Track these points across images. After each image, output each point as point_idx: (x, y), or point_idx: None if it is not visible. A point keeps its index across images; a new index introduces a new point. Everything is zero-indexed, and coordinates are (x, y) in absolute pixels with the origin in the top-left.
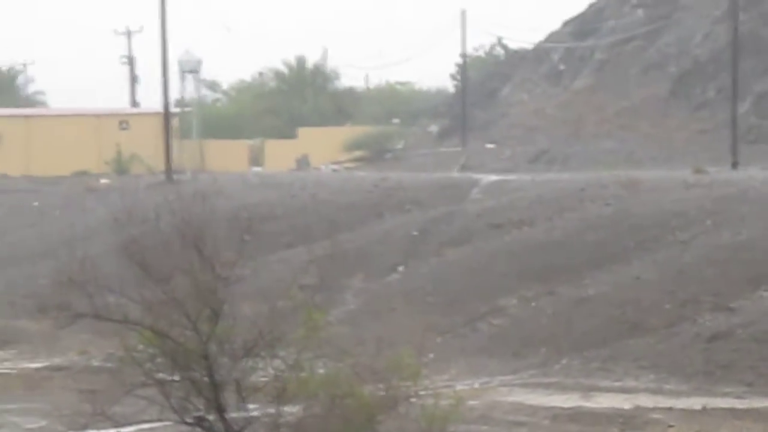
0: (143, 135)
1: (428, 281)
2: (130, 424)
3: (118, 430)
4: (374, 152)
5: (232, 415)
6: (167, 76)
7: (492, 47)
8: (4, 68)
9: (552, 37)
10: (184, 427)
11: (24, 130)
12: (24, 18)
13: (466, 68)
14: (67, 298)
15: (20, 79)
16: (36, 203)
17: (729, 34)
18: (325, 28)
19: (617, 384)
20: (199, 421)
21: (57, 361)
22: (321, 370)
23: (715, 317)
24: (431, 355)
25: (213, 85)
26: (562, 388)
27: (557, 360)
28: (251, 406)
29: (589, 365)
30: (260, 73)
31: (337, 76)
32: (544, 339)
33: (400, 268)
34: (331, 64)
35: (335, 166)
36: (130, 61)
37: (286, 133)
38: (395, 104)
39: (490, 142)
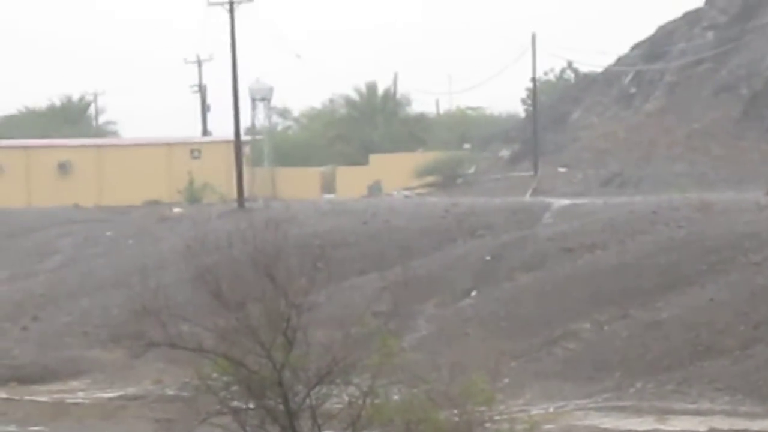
0: (215, 163)
1: (501, 306)
2: None
3: None
4: (446, 177)
5: None
6: (238, 104)
7: (562, 71)
8: (75, 99)
9: (622, 60)
10: None
11: (95, 160)
12: (94, 48)
13: (536, 92)
14: (140, 328)
15: (91, 110)
16: (108, 233)
17: None
18: (395, 54)
19: (692, 407)
20: None
21: (131, 390)
22: (396, 397)
23: None
24: (506, 380)
25: (284, 113)
26: (637, 412)
27: (631, 383)
28: None
29: (664, 388)
30: (331, 100)
31: (408, 102)
32: (617, 362)
33: (473, 293)
34: (401, 90)
35: (407, 192)
36: (201, 90)
37: (358, 159)
38: (466, 129)
39: (562, 166)
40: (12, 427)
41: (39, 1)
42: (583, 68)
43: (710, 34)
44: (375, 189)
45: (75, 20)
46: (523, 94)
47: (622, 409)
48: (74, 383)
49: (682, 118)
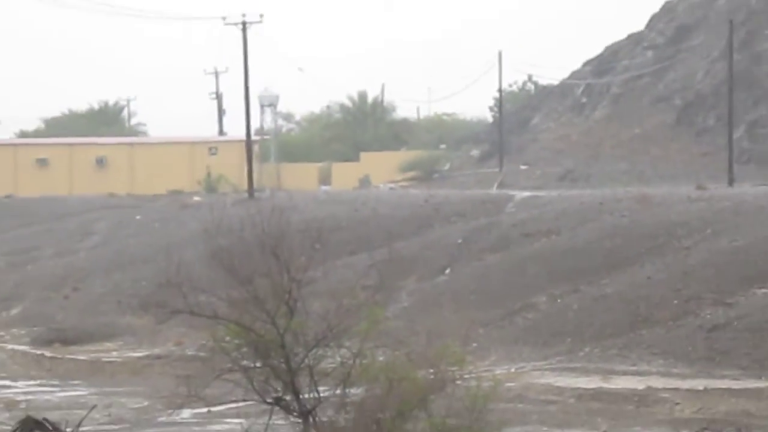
0: (229, 159)
1: (471, 282)
2: (219, 404)
3: (209, 409)
4: (425, 173)
5: (305, 396)
6: (249, 110)
7: (524, 83)
8: (111, 103)
9: (574, 75)
10: (264, 407)
11: (128, 156)
12: (127, 60)
13: (502, 101)
14: (164, 298)
15: (124, 113)
16: (138, 217)
17: (726, 71)
18: (383, 66)
19: (632, 368)
20: (278, 401)
21: (156, 350)
22: (381, 358)
23: (715, 311)
24: (474, 345)
25: (288, 117)
26: (585, 372)
27: (581, 348)
28: (321, 389)
29: (608, 352)
30: (328, 106)
31: (393, 108)
32: (569, 330)
33: (447, 271)
34: (388, 98)
35: (392, 185)
36: (218, 97)
37: (350, 156)
38: (442, 132)
39: (523, 164)
40: (55, 381)
41: (83, 19)
42: (542, 81)
43: (650, 53)
44: (365, 182)
45: (111, 36)
46: (491, 103)
47: (572, 370)
48: (108, 344)
49: (625, 124)
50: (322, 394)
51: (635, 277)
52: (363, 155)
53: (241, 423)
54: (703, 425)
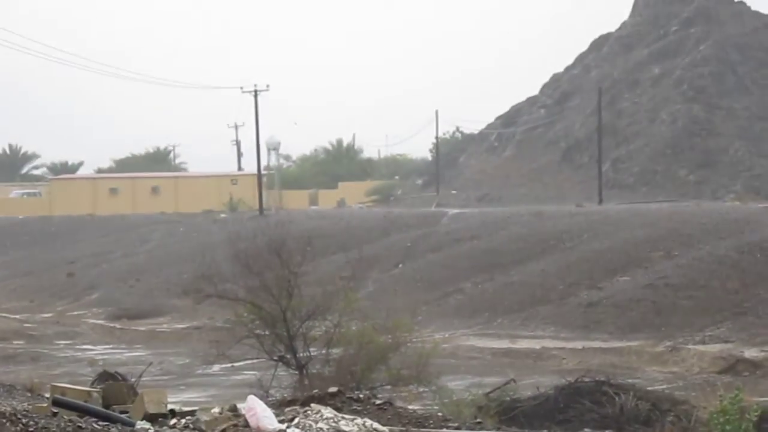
0: (246, 187)
1: (417, 273)
2: (239, 360)
3: (233, 364)
4: (383, 196)
5: (301, 354)
6: (260, 152)
7: (454, 132)
8: (161, 148)
9: (489, 126)
10: (271, 363)
11: (174, 185)
12: (172, 118)
13: (438, 145)
14: (200, 286)
15: (171, 155)
16: (182, 229)
17: (596, 123)
18: (353, 120)
19: (531, 334)
20: (281, 358)
21: (195, 323)
22: (354, 327)
23: (590, 293)
24: (419, 318)
25: (287, 157)
26: (498, 336)
27: (495, 319)
28: (312, 350)
29: (514, 323)
30: (315, 149)
31: (361, 150)
32: (487, 307)
33: (400, 266)
34: (357, 143)
35: (360, 205)
36: (237, 144)
37: (331, 185)
38: (396, 167)
39: (454, 189)
40: (123, 345)
41: (142, 89)
42: (467, 131)
43: (542, 111)
44: (341, 203)
45: (162, 100)
46: (430, 146)
47: (489, 335)
48: (160, 319)
49: (526, 161)
50: (312, 354)
51: (533, 269)
52: (340, 184)
53: (255, 374)
54: (582, 374)
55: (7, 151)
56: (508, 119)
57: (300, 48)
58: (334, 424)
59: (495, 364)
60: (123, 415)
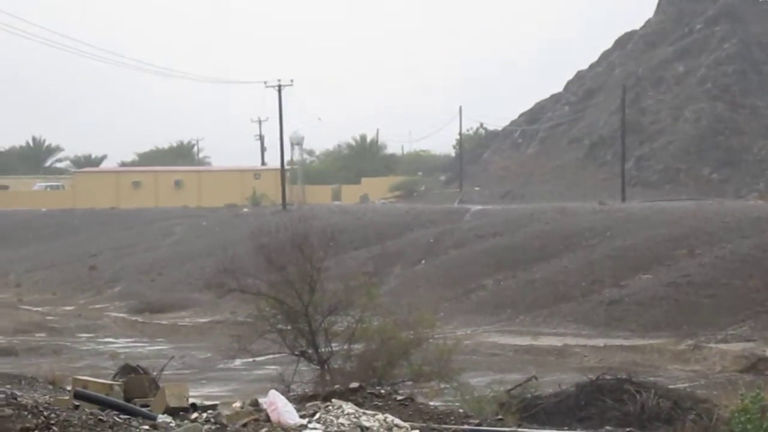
0: (269, 182)
1: (439, 269)
2: (261, 355)
3: (254, 358)
4: (407, 192)
5: (322, 349)
6: (283, 147)
7: (477, 129)
8: (185, 142)
9: (513, 123)
10: (293, 357)
11: (197, 179)
12: (197, 111)
13: (461, 141)
14: (223, 280)
15: (195, 149)
16: (204, 223)
17: (620, 121)
18: (378, 115)
19: (553, 331)
20: (303, 353)
21: (217, 317)
22: (375, 323)
23: (612, 290)
24: (441, 314)
25: (310, 152)
26: (520, 333)
27: (517, 316)
28: (333, 345)
29: (536, 320)
30: (338, 145)
31: (384, 146)
32: (509, 304)
33: (423, 262)
34: (381, 139)
35: (383, 201)
36: (261, 138)
37: (354, 180)
38: (419, 163)
39: (477, 186)
40: (145, 339)
41: (166, 83)
42: (490, 127)
43: (566, 108)
44: (364, 199)
45: (186, 94)
46: (454, 143)
47: (511, 332)
48: (183, 313)
49: (549, 158)
50: (334, 349)
51: (556, 266)
52: (363, 180)
53: (276, 369)
54: (603, 371)
55: (31, 144)
56: (532, 116)
57: (325, 43)
58: (355, 420)
59: (517, 361)
60: (144, 409)
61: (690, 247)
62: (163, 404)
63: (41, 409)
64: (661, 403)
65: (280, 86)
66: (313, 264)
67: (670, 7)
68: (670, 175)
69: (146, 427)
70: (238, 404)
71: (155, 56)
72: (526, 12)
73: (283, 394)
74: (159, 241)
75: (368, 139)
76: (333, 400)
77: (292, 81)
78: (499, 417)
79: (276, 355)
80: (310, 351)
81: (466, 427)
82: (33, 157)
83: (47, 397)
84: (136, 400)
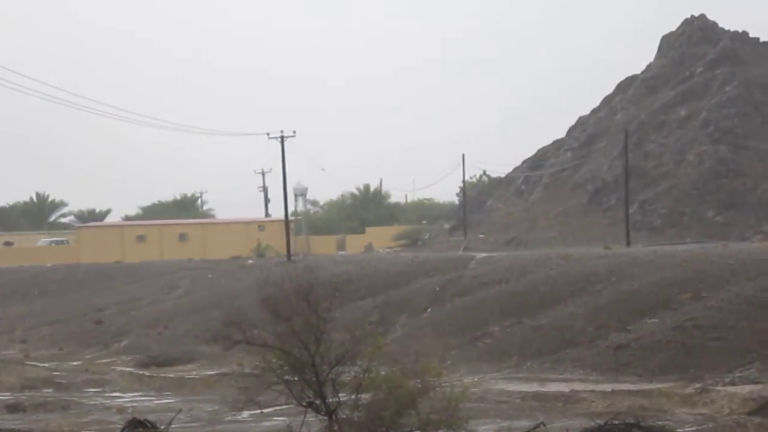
0: (273, 233)
1: (445, 317)
2: (269, 406)
3: (262, 410)
4: (411, 241)
5: (330, 400)
6: (287, 198)
7: (480, 176)
8: (188, 195)
9: (516, 170)
10: (300, 408)
11: (201, 232)
12: (200, 165)
13: (465, 189)
14: (229, 332)
15: (198, 202)
16: (209, 276)
17: (623, 166)
18: (380, 166)
19: (561, 377)
20: (310, 404)
21: (224, 370)
22: (382, 372)
23: (618, 335)
24: (448, 362)
25: (314, 203)
26: (527, 380)
27: (524, 363)
28: (341, 395)
29: (543, 366)
30: (342, 195)
31: (388, 195)
32: (515, 350)
33: (429, 310)
34: (384, 188)
35: (388, 250)
36: (264, 190)
37: (358, 230)
38: (423, 212)
39: (481, 233)
40: (152, 393)
41: (170, 136)
42: (493, 174)
43: (569, 153)
44: (369, 248)
45: (188, 147)
46: (457, 190)
47: (518, 379)
48: (189, 366)
49: (553, 204)
50: (342, 399)
51: (562, 312)
52: (368, 229)
53: (284, 420)
54: (611, 416)
55: (35, 200)
56: (535, 162)
57: (326, 93)
58: None
59: (524, 407)
60: None
61: (695, 290)
62: None
63: None
64: None
65: (282, 137)
66: (318, 314)
67: (670, 51)
68: (674, 219)
69: None
70: None
71: (156, 110)
72: (524, 59)
73: None
74: (164, 294)
75: (372, 189)
76: None
77: (294, 132)
78: None
79: (284, 407)
80: (317, 402)
81: None
82: (37, 213)
83: None
84: None
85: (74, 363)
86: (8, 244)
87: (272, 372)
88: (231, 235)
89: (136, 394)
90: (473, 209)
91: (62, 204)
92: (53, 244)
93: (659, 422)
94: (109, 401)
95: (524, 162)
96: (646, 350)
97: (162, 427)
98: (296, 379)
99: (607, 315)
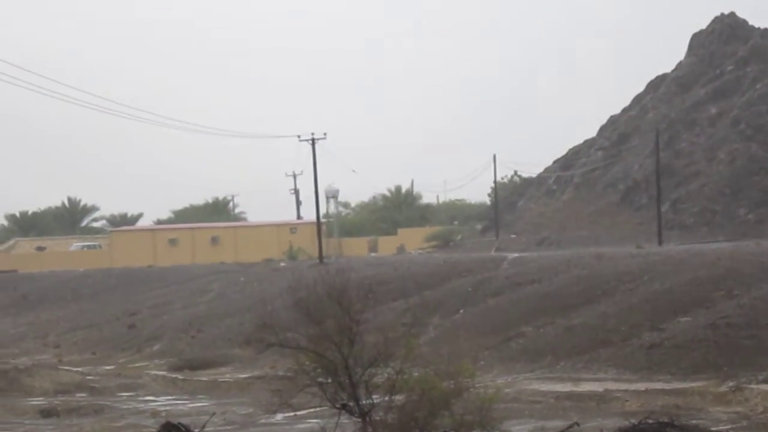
0: (305, 236)
1: (478, 318)
2: (302, 409)
3: (296, 413)
4: (443, 242)
5: (363, 402)
6: (318, 201)
7: (512, 176)
8: (220, 198)
9: (548, 170)
10: (334, 411)
11: (233, 235)
12: (233, 168)
13: (496, 189)
14: (262, 335)
15: (231, 205)
16: (242, 278)
17: (654, 164)
18: (412, 167)
19: (594, 376)
20: (344, 406)
21: (257, 373)
22: (416, 374)
23: (651, 334)
24: (482, 363)
25: (345, 205)
26: (561, 380)
27: (557, 363)
28: (374, 397)
29: (577, 365)
30: (374, 196)
31: (419, 196)
32: (548, 351)
33: (461, 311)
34: (416, 189)
35: (420, 251)
36: (296, 192)
37: (390, 231)
38: (455, 212)
39: (513, 234)
40: (186, 396)
41: (203, 141)
42: (525, 175)
43: (600, 153)
44: (401, 249)
45: (222, 152)
46: (489, 191)
47: (552, 379)
48: (223, 369)
49: (584, 204)
50: (375, 401)
51: (595, 312)
52: (399, 230)
53: (318, 422)
54: (645, 415)
55: (66, 204)
56: (566, 162)
57: (357, 94)
58: None
59: (558, 407)
60: None
61: (728, 288)
62: None
63: None
64: None
65: (313, 140)
66: (351, 316)
67: (701, 49)
68: (706, 217)
69: None
70: None
71: (188, 113)
72: (556, 57)
73: None
74: (197, 297)
75: (403, 190)
76: None
77: (325, 134)
78: None
79: (317, 409)
80: (351, 403)
81: None
82: (69, 217)
83: None
84: None
85: (107, 367)
86: (41, 249)
87: (305, 374)
88: (263, 238)
89: (169, 397)
90: (505, 209)
91: (94, 208)
92: (85, 249)
93: (693, 421)
94: (142, 405)
95: (555, 162)
96: (679, 349)
97: (196, 430)
98: (329, 381)
99: (640, 314)
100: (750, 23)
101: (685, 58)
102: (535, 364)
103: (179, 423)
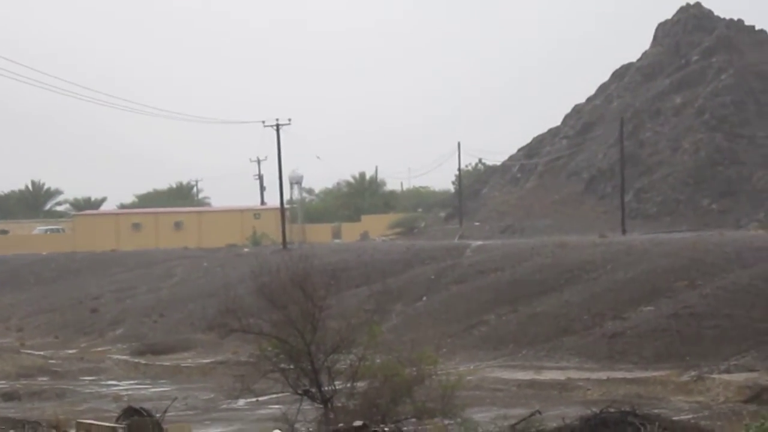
0: (269, 221)
1: (441, 305)
2: (264, 395)
3: (258, 398)
4: (407, 229)
5: (325, 388)
6: (282, 186)
7: (476, 164)
8: (184, 183)
9: (512, 158)
10: (296, 397)
11: (197, 220)
12: (195, 154)
13: (460, 177)
14: (225, 320)
15: (194, 190)
16: (205, 264)
17: (618, 154)
18: (376, 153)
19: (556, 365)
20: (306, 392)
21: (219, 358)
22: (378, 360)
23: (614, 323)
24: (444, 350)
25: (310, 191)
26: (523, 368)
27: (519, 351)
28: (336, 383)
29: (539, 354)
30: (338, 183)
31: (383, 183)
32: (511, 339)
33: (424, 298)
34: (380, 176)
35: (384, 238)
36: (260, 178)
37: (354, 218)
38: (419, 200)
39: (477, 221)
40: (148, 381)
41: (167, 126)
42: (489, 162)
43: (564, 141)
44: (364, 236)
45: (185, 136)
46: (453, 178)
47: (514, 367)
48: (185, 354)
49: (548, 192)
50: (337, 387)
51: (557, 300)
52: (363, 217)
53: (280, 408)
54: (607, 404)
55: (30, 188)
56: (531, 150)
57: (321, 80)
58: None
59: (520, 395)
60: None
61: (691, 278)
62: None
63: None
64: None
65: (278, 125)
66: (314, 303)
67: (666, 39)
68: (669, 207)
69: None
70: None
71: (153, 98)
72: (520, 46)
73: None
74: (160, 282)
75: (367, 177)
76: None
77: (290, 120)
78: None
79: (279, 395)
80: (313, 390)
81: None
82: (32, 201)
83: None
84: None
85: (70, 351)
86: (4, 232)
87: (268, 360)
88: (226, 224)
89: (131, 382)
90: (469, 197)
91: (58, 192)
92: (49, 233)
93: (655, 410)
94: (104, 389)
95: (520, 150)
96: (641, 338)
97: (158, 415)
98: (292, 367)
99: (603, 303)
100: (716, 14)
101: (650, 47)
102: (497, 351)
103: (141, 408)
